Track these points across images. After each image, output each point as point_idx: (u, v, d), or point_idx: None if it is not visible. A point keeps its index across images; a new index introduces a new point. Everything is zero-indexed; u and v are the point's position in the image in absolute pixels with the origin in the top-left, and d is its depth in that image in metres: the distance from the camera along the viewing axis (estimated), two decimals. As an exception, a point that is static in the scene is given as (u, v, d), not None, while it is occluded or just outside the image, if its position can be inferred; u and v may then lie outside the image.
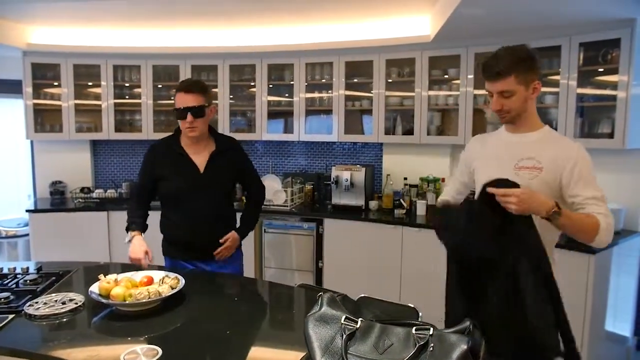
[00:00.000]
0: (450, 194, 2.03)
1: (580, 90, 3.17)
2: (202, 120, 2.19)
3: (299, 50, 4.12)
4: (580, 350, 1.63)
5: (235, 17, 3.87)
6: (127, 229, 2.31)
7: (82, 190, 4.54)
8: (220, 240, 2.27)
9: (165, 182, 2.26)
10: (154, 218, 2.43)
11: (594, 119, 3.22)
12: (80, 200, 4.44)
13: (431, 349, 1.09)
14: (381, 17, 3.72)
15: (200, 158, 2.28)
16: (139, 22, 4.03)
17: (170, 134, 2.37)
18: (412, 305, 1.84)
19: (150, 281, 1.85)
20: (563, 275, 2.93)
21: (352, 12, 3.67)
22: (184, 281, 1.83)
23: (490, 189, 1.52)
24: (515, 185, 1.54)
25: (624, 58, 2.92)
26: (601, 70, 3.16)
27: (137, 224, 2.30)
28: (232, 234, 2.33)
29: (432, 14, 3.49)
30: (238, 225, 2.44)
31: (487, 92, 1.74)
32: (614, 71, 2.99)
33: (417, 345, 1.10)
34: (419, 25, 3.66)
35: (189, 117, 2.14)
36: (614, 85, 3.03)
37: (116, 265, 2.94)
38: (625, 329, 3.38)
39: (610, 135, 3.07)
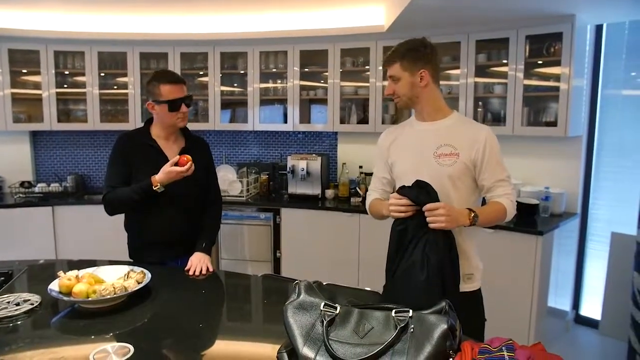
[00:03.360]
0: (377, 191, 2.03)
1: (527, 81, 3.34)
2: (189, 110, 2.23)
3: (253, 38, 4.05)
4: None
5: (186, 3, 3.75)
6: (146, 189, 2.06)
7: (22, 184, 4.28)
8: (186, 269, 2.11)
9: (136, 174, 2.16)
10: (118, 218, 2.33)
11: (539, 108, 3.41)
12: (21, 195, 4.19)
13: (412, 330, 1.12)
14: (336, 6, 3.73)
15: (170, 152, 2.23)
16: (82, 5, 3.80)
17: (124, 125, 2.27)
18: (376, 291, 1.90)
19: (186, 160, 2.03)
20: (513, 256, 3.13)
21: (307, 1, 3.65)
22: (150, 275, 1.78)
23: (425, 208, 1.62)
24: (430, 186, 1.67)
25: (566, 51, 3.11)
26: (545, 62, 3.33)
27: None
28: (195, 258, 2.15)
29: (387, 4, 3.54)
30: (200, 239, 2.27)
31: None
32: (557, 63, 3.18)
33: (397, 328, 1.13)
34: (374, 15, 3.70)
35: (184, 107, 2.16)
36: (556, 77, 3.21)
37: (62, 262, 2.80)
38: (565, 304, 3.64)
39: (554, 124, 3.26)
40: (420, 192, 1.67)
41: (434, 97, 1.83)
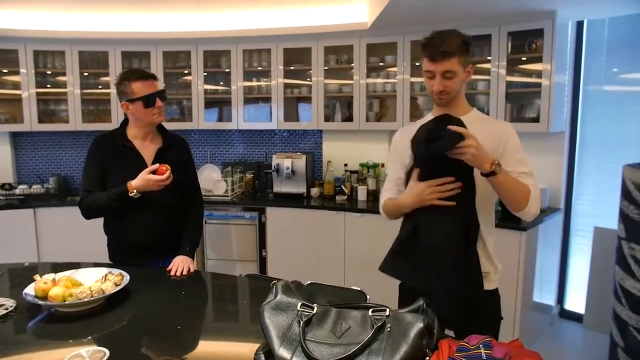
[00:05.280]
0: (392, 191, 1.93)
1: (509, 78, 3.36)
2: (164, 104, 2.20)
3: (236, 36, 4.02)
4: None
5: (168, 1, 3.71)
6: (122, 195, 2.05)
7: (2, 186, 4.21)
8: (168, 269, 2.09)
9: (112, 176, 2.13)
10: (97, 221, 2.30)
11: (521, 104, 3.43)
12: (1, 197, 4.11)
13: (388, 329, 1.12)
14: (319, 3, 3.72)
15: (147, 152, 2.20)
16: (62, 3, 3.74)
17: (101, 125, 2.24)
18: (360, 289, 1.89)
19: (164, 170, 2.04)
20: (497, 251, 3.13)
21: (290, -2, 3.64)
22: (128, 277, 1.75)
23: (455, 128, 1.56)
24: (459, 120, 1.63)
25: (547, 47, 3.13)
26: (527, 58, 3.35)
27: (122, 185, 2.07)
28: (179, 259, 2.14)
29: (370, 1, 3.53)
30: (183, 243, 2.25)
31: (427, 72, 1.73)
32: (539, 60, 3.19)
33: (374, 327, 1.12)
34: (357, 12, 3.69)
35: (159, 101, 2.13)
36: (538, 73, 3.23)
37: (46, 265, 2.76)
38: (549, 299, 3.67)
39: (536, 120, 3.28)
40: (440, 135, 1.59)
41: (463, 92, 1.83)
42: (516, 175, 1.70)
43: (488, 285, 1.79)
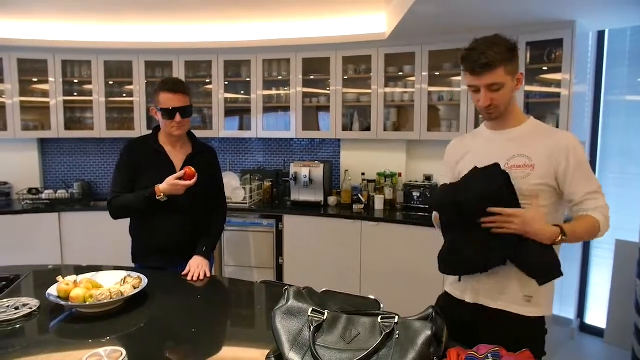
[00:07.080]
0: None
1: (528, 88, 3.34)
2: (188, 119, 2.25)
3: (256, 46, 4.09)
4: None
5: (189, 12, 3.80)
6: (150, 198, 2.12)
7: (29, 191, 4.35)
8: (183, 274, 2.13)
9: (142, 179, 2.21)
10: (124, 222, 2.36)
11: (540, 114, 3.39)
12: (28, 201, 4.25)
13: (397, 336, 1.13)
14: (338, 14, 3.77)
15: (177, 158, 2.28)
16: (89, 14, 3.88)
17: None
18: (374, 297, 1.90)
19: (193, 173, 2.11)
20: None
21: (309, 9, 3.69)
22: (146, 280, 1.80)
23: (491, 209, 1.47)
24: (504, 173, 1.51)
25: (566, 57, 3.10)
26: (546, 68, 3.33)
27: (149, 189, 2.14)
28: (194, 263, 2.18)
29: (388, 12, 3.56)
30: (201, 241, 2.31)
31: (470, 87, 1.60)
32: (558, 69, 3.17)
33: (383, 334, 1.14)
34: (375, 23, 3.72)
35: (178, 117, 2.18)
36: (557, 83, 3.21)
37: (69, 267, 2.85)
38: (569, 312, 3.60)
39: (555, 130, 3.24)
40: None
41: (516, 101, 1.65)
42: (583, 197, 1.55)
43: (527, 311, 1.59)
